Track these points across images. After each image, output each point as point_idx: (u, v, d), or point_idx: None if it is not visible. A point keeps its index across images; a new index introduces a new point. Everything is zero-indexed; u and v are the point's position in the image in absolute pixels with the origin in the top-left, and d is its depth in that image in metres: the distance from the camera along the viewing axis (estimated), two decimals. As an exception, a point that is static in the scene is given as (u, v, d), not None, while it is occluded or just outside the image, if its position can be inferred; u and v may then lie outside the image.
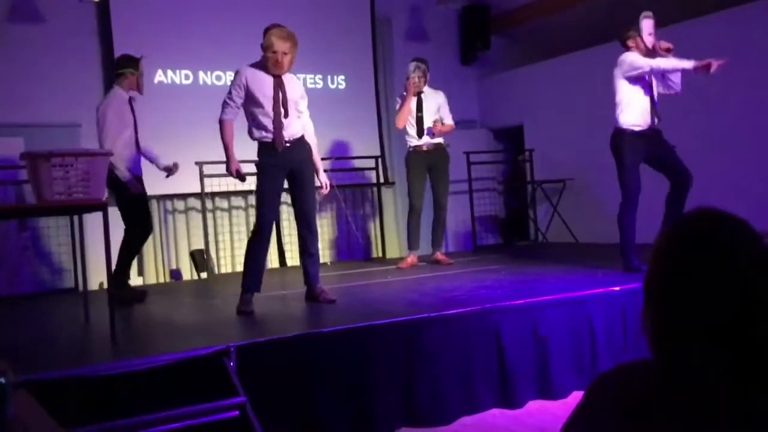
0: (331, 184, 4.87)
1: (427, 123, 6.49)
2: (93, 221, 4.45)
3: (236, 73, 4.55)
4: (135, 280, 7.22)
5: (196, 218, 7.42)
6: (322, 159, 4.98)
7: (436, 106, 6.52)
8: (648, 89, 5.07)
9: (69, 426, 2.49)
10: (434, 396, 3.62)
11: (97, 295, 5.27)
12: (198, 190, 7.05)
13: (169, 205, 7.46)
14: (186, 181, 7.16)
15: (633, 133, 5.01)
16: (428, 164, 6.53)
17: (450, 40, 9.33)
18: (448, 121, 6.53)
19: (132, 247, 5.35)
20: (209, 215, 7.36)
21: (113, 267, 4.34)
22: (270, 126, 4.45)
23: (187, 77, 7.52)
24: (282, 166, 4.49)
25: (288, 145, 4.47)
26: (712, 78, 4.98)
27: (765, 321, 1.01)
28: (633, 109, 5.02)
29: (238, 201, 7.78)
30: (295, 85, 4.62)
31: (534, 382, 3.93)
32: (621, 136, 5.04)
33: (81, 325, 4.41)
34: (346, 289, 4.94)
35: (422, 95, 6.53)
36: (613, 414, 1.03)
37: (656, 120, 5.06)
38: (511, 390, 3.84)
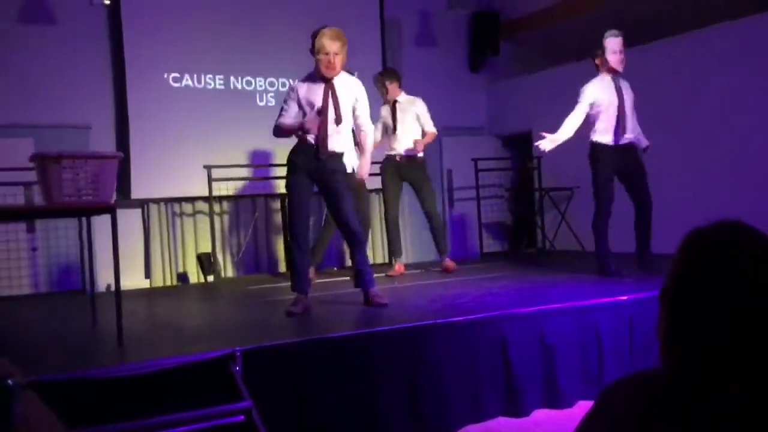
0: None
1: (400, 133, 6.42)
2: (102, 223, 4.47)
3: (289, 89, 4.62)
4: (142, 283, 7.24)
5: (204, 221, 7.44)
6: None
7: (412, 115, 6.44)
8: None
9: (75, 427, 2.50)
10: (439, 403, 3.61)
11: (104, 297, 5.28)
12: (206, 193, 7.06)
13: (176, 208, 7.48)
14: (194, 185, 7.19)
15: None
16: (402, 174, 6.48)
17: (459, 46, 9.32)
18: (429, 128, 6.46)
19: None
20: (216, 218, 7.38)
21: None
22: (315, 132, 4.45)
23: (197, 81, 7.54)
24: (311, 170, 4.46)
25: (328, 151, 4.46)
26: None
27: None
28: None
29: (245, 204, 7.79)
30: (348, 88, 4.57)
31: (540, 391, 3.92)
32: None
33: (88, 326, 4.42)
34: (352, 295, 4.93)
35: (396, 105, 6.47)
36: (623, 424, 1.02)
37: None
38: (516, 398, 3.83)
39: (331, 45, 4.39)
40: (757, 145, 6.45)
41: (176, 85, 7.44)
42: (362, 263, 4.58)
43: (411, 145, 6.41)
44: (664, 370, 1.08)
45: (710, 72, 6.83)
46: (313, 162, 4.45)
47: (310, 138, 4.46)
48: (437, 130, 6.62)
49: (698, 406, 1.00)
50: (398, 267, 6.58)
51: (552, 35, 8.72)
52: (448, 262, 6.58)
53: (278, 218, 7.93)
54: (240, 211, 7.77)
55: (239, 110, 7.62)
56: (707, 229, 1.08)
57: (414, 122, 6.45)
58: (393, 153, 6.49)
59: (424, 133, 6.50)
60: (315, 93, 4.46)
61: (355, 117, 4.65)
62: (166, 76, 7.37)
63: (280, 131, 4.60)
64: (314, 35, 4.48)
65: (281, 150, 7.43)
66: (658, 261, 5.31)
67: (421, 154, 6.50)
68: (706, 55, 6.87)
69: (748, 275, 1.02)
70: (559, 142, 5.40)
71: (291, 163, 4.52)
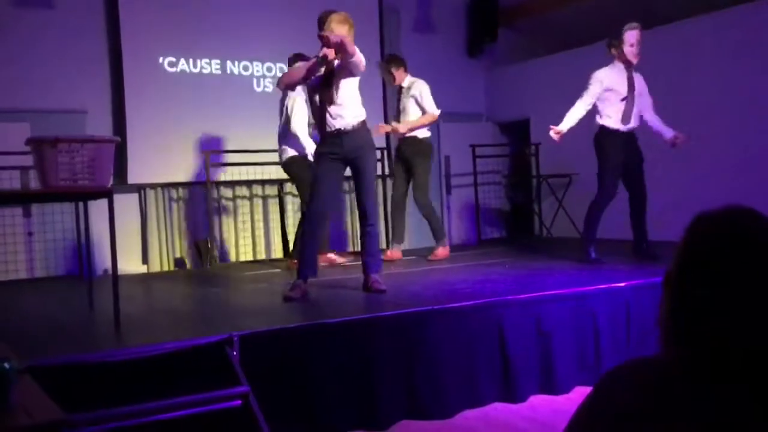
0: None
1: (403, 118, 6.38)
2: (98, 208, 4.45)
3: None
4: (139, 268, 7.24)
5: (201, 207, 7.42)
6: None
7: (412, 97, 6.34)
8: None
9: (72, 412, 2.50)
10: (436, 389, 3.62)
11: (101, 282, 5.27)
12: (203, 178, 7.05)
13: (174, 193, 7.46)
14: (191, 170, 7.17)
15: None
16: (402, 155, 6.41)
17: (457, 32, 9.29)
18: (426, 109, 6.27)
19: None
20: (214, 204, 7.36)
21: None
22: (320, 115, 4.48)
23: (194, 65, 7.51)
24: (336, 155, 4.47)
25: (337, 133, 4.44)
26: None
27: None
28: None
29: (242, 191, 7.78)
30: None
31: (536, 377, 3.93)
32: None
33: (85, 311, 4.42)
34: (350, 280, 4.93)
35: (403, 89, 6.43)
36: (622, 413, 1.02)
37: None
38: (513, 384, 3.83)
39: (339, 29, 4.36)
40: (753, 132, 6.46)
41: (172, 69, 7.40)
42: (367, 247, 4.59)
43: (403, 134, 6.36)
44: (664, 358, 1.07)
45: (708, 59, 6.82)
46: (336, 146, 4.46)
47: (327, 126, 4.47)
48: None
49: (700, 396, 1.00)
50: (391, 253, 6.42)
51: (550, 22, 8.69)
52: (437, 250, 6.46)
53: (275, 204, 7.92)
54: (237, 196, 7.76)
55: (236, 96, 7.60)
56: (714, 214, 1.07)
57: (414, 106, 6.38)
58: (398, 136, 6.49)
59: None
60: (318, 76, 4.44)
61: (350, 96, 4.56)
62: (161, 60, 7.33)
63: (286, 75, 4.60)
64: (321, 21, 4.44)
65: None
66: (653, 249, 5.34)
67: (425, 135, 6.39)
68: (707, 42, 6.86)
69: (756, 261, 1.01)
70: (564, 131, 5.37)
71: (317, 155, 4.58)
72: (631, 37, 5.30)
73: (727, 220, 1.05)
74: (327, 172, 4.49)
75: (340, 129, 4.45)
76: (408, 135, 6.35)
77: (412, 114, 6.37)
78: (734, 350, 1.00)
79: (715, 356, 1.01)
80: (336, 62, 4.40)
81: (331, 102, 4.43)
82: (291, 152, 5.97)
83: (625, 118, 5.35)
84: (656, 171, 5.66)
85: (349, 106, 4.49)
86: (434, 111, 6.33)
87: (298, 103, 5.92)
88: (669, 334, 1.07)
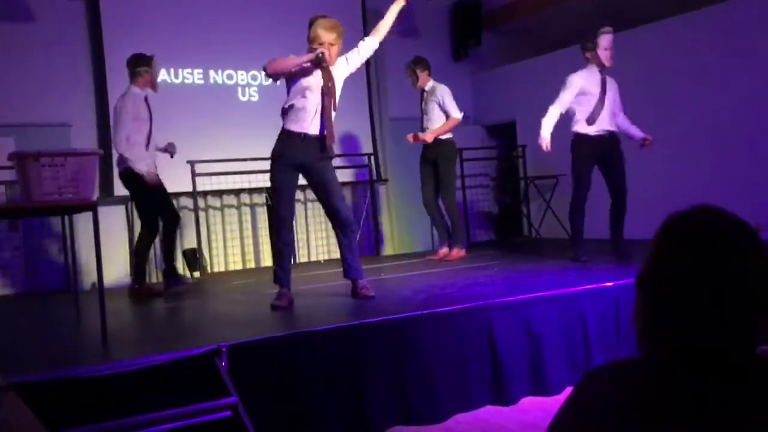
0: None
1: (425, 121, 6.57)
2: (85, 221, 4.43)
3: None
4: (127, 280, 7.19)
5: (188, 217, 7.39)
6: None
7: (435, 102, 6.52)
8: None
9: (59, 428, 2.47)
10: (428, 394, 3.61)
11: (88, 296, 5.24)
12: (190, 189, 7.02)
13: (161, 204, 7.42)
14: (178, 180, 7.13)
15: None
16: (429, 158, 6.59)
17: (441, 37, 9.31)
18: (450, 114, 6.48)
19: (168, 238, 5.64)
20: (201, 214, 7.33)
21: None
22: (308, 119, 4.34)
23: (176, 76, 7.48)
24: (296, 160, 4.36)
25: (314, 137, 4.36)
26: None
27: (756, 318, 1.00)
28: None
29: (230, 199, 7.75)
30: (338, 71, 4.48)
31: (527, 379, 3.93)
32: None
33: (72, 325, 4.39)
34: (338, 287, 4.92)
35: (424, 94, 6.59)
36: (602, 413, 1.02)
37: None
38: (504, 387, 3.83)
39: (326, 35, 4.33)
40: (730, 131, 6.50)
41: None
42: (352, 253, 4.54)
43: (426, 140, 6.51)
44: (644, 358, 1.07)
45: (688, 57, 6.86)
46: (302, 153, 4.36)
47: (298, 128, 4.37)
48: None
49: (683, 396, 1.00)
50: (443, 251, 6.61)
51: (534, 24, 8.72)
52: (454, 251, 6.58)
53: (263, 212, 7.90)
54: (224, 205, 7.73)
55: (221, 106, 7.56)
56: (685, 214, 1.07)
57: (437, 110, 6.52)
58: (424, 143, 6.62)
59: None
60: (311, 77, 4.37)
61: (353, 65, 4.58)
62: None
63: (275, 63, 4.33)
64: (310, 23, 4.42)
65: (265, 144, 7.36)
66: (629, 248, 5.41)
67: (447, 137, 6.54)
68: (683, 42, 6.89)
69: (728, 260, 1.01)
70: (548, 138, 5.49)
71: (279, 156, 4.40)
72: (604, 41, 5.43)
73: (698, 219, 1.06)
74: (290, 177, 4.41)
75: (316, 135, 4.39)
76: (433, 140, 6.51)
77: (435, 118, 6.55)
78: (712, 348, 1.00)
79: (695, 355, 1.01)
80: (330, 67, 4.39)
81: (335, 108, 4.41)
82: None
83: (590, 120, 5.45)
84: (634, 170, 5.73)
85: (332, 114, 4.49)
86: (457, 114, 6.52)
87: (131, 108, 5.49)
88: (645, 334, 1.07)
